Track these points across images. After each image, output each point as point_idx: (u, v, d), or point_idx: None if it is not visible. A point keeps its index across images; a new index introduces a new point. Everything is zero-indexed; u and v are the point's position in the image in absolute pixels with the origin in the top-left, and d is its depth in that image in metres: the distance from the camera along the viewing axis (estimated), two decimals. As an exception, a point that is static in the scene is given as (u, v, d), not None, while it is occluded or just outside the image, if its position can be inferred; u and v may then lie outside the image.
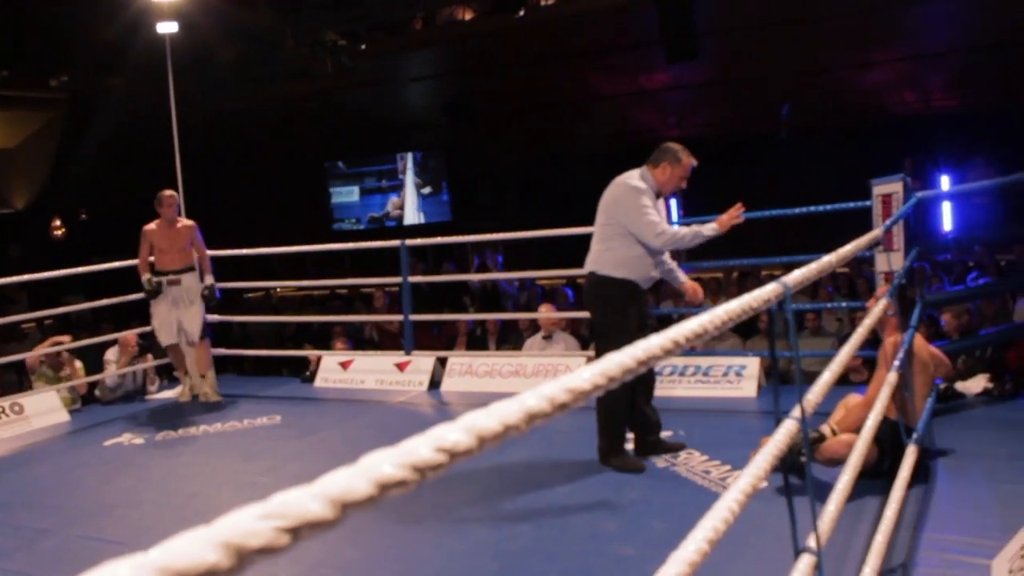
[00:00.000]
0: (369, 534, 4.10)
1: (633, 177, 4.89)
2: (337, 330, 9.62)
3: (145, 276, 7.46)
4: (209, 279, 7.60)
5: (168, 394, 8.04)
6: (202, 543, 0.68)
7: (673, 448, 5.12)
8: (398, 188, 19.06)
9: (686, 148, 4.92)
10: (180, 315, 7.52)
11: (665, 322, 6.79)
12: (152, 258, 7.51)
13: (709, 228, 4.86)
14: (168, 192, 7.51)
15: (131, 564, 0.65)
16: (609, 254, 4.88)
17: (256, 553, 0.70)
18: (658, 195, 4.94)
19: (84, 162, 17.08)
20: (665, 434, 5.31)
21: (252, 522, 0.71)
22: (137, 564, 0.65)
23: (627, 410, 4.94)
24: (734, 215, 4.94)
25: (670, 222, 5.14)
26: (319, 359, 8.38)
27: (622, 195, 4.85)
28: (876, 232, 4.44)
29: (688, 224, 5.11)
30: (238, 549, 0.69)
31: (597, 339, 5.18)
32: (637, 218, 4.77)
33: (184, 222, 7.57)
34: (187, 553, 0.67)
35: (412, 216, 18.93)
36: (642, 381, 5.09)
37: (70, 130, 16.87)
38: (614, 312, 4.88)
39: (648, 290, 5.07)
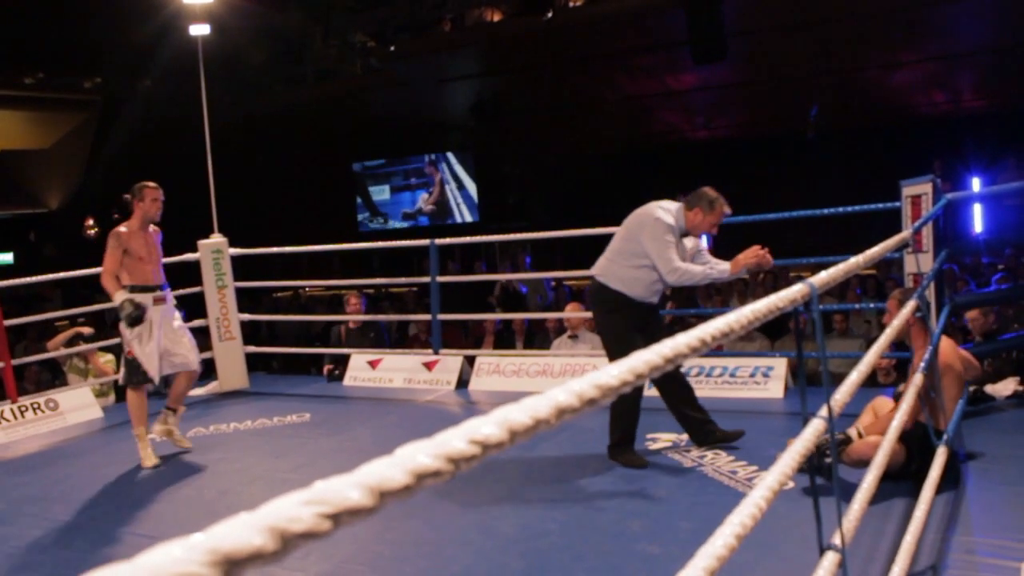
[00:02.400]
0: (398, 531, 4.14)
1: (664, 211, 4.98)
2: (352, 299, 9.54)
3: (123, 295, 5.62)
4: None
5: (199, 391, 8.13)
6: (249, 527, 0.71)
7: (732, 436, 5.20)
8: (427, 185, 19.16)
9: (723, 197, 4.99)
10: (166, 339, 5.83)
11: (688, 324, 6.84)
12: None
13: (719, 270, 4.99)
14: (151, 183, 5.93)
15: (183, 545, 0.69)
16: (615, 268, 5.07)
17: (299, 538, 0.73)
18: (685, 235, 5.04)
19: (117, 162, 17.29)
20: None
21: (296, 508, 0.74)
22: (189, 545, 0.69)
23: (636, 408, 5.05)
24: (750, 256, 4.98)
25: (700, 258, 5.22)
26: (334, 366, 8.45)
27: (649, 224, 4.96)
28: (905, 233, 4.42)
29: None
30: (282, 533, 0.72)
31: (603, 342, 5.36)
32: (659, 250, 4.91)
33: (154, 226, 6.00)
34: (235, 536, 0.70)
35: (458, 215, 19.02)
36: (674, 387, 5.27)
37: (103, 131, 17.08)
38: (611, 316, 5.11)
39: (652, 306, 5.18)
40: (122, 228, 5.80)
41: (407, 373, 7.90)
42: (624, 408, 5.00)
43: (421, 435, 0.87)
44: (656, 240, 4.90)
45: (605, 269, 5.11)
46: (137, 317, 5.57)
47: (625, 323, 5.01)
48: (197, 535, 0.69)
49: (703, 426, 5.26)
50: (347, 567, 3.79)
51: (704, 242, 5.23)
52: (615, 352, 5.02)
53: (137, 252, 5.76)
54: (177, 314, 6.03)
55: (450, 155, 18.87)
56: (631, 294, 5.01)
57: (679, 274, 4.89)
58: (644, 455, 5.16)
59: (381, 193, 19.62)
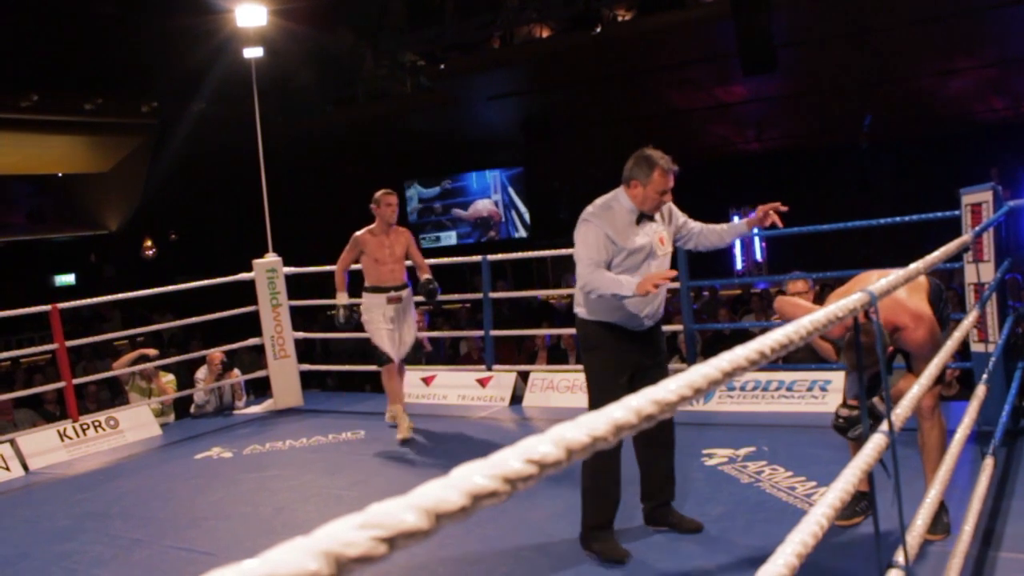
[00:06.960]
0: (452, 548, 4.13)
1: (594, 207, 4.03)
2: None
3: (344, 300, 6.49)
4: (427, 275, 6.64)
5: (255, 409, 8.21)
6: (302, 552, 0.70)
7: (689, 527, 4.17)
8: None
9: (666, 156, 4.08)
10: (400, 334, 6.51)
11: (743, 337, 6.67)
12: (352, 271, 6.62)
13: (627, 287, 3.78)
14: (385, 190, 6.61)
15: (236, 571, 0.68)
16: (581, 293, 4.08)
17: (354, 562, 0.72)
18: (645, 217, 4.03)
19: (173, 184, 17.62)
20: (747, 449, 5.28)
21: (350, 532, 0.73)
22: (242, 571, 0.68)
23: (610, 475, 4.01)
24: (656, 279, 3.77)
25: (685, 231, 4.30)
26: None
27: (576, 227, 4.02)
28: (965, 237, 4.30)
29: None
30: (337, 558, 0.71)
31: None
32: (577, 255, 3.99)
33: (400, 228, 6.61)
34: (288, 562, 0.69)
35: (510, 231, 19.19)
36: (657, 433, 4.07)
37: (160, 154, 17.44)
38: (591, 357, 4.14)
39: (648, 333, 4.13)
40: (359, 231, 6.48)
41: (461, 390, 7.89)
42: (596, 478, 4.00)
43: (476, 452, 0.86)
44: (577, 245, 3.97)
45: (577, 299, 4.14)
46: (344, 324, 6.49)
47: (610, 369, 4.02)
48: (250, 561, 0.68)
49: (661, 498, 4.28)
50: (402, 585, 3.79)
51: (681, 216, 4.28)
52: (595, 400, 4.03)
53: (373, 254, 6.39)
54: (413, 314, 6.70)
55: (502, 171, 19.00)
56: (614, 320, 4.02)
57: (584, 281, 3.91)
58: (699, 471, 5.07)
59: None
